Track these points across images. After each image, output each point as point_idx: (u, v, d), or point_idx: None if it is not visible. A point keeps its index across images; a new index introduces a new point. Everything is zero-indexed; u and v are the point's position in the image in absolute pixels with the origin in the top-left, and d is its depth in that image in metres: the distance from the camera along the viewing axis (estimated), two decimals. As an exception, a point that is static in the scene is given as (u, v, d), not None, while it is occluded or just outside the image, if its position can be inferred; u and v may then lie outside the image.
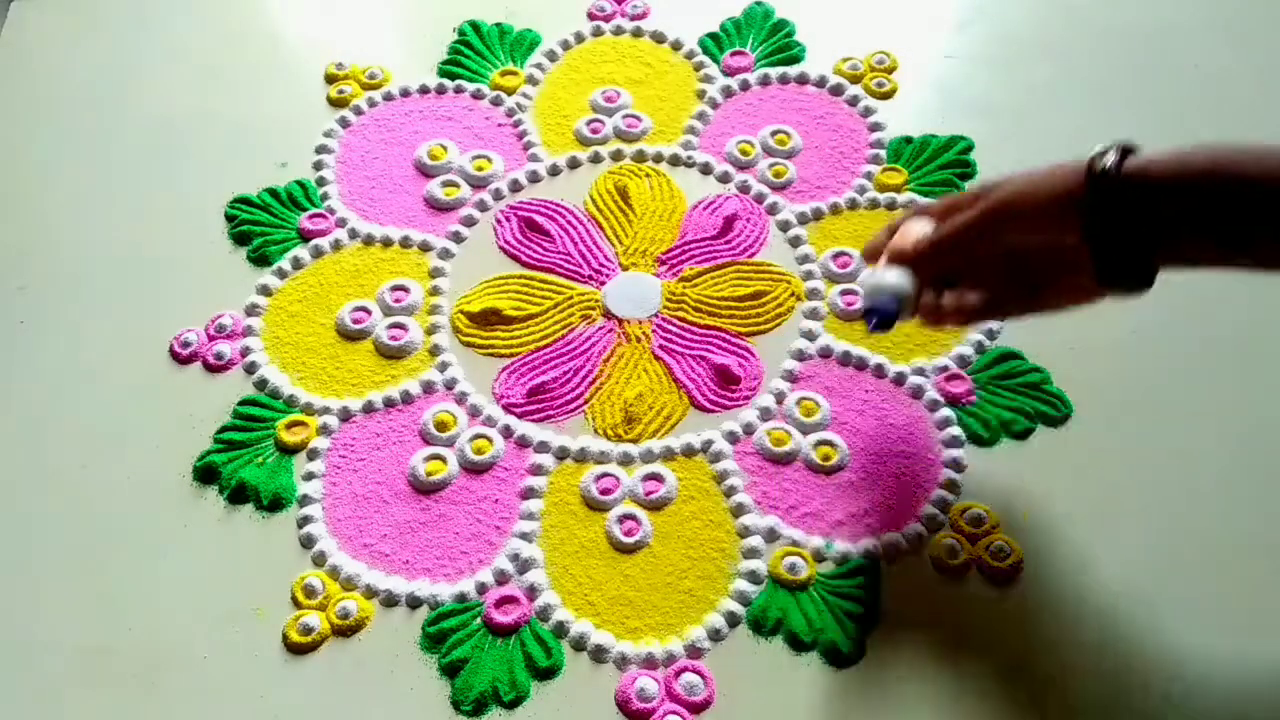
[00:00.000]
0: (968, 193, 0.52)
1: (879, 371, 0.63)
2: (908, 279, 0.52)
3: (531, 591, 0.56)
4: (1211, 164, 0.45)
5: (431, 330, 0.66)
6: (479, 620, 0.55)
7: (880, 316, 0.52)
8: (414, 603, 0.56)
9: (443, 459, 0.61)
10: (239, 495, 0.60)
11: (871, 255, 0.56)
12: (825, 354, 0.64)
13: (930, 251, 0.52)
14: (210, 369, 0.65)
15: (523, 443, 0.61)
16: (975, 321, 0.55)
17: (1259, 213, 0.44)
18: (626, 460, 0.60)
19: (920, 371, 0.63)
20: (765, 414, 0.62)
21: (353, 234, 0.71)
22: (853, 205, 0.71)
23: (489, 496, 0.60)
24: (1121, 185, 0.46)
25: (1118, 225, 0.47)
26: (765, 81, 0.78)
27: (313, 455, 0.61)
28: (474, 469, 0.61)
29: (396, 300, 0.67)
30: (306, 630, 0.55)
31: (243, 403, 0.63)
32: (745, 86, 0.78)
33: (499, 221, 0.71)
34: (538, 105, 0.77)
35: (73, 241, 0.71)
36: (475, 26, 0.82)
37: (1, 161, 0.76)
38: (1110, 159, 0.47)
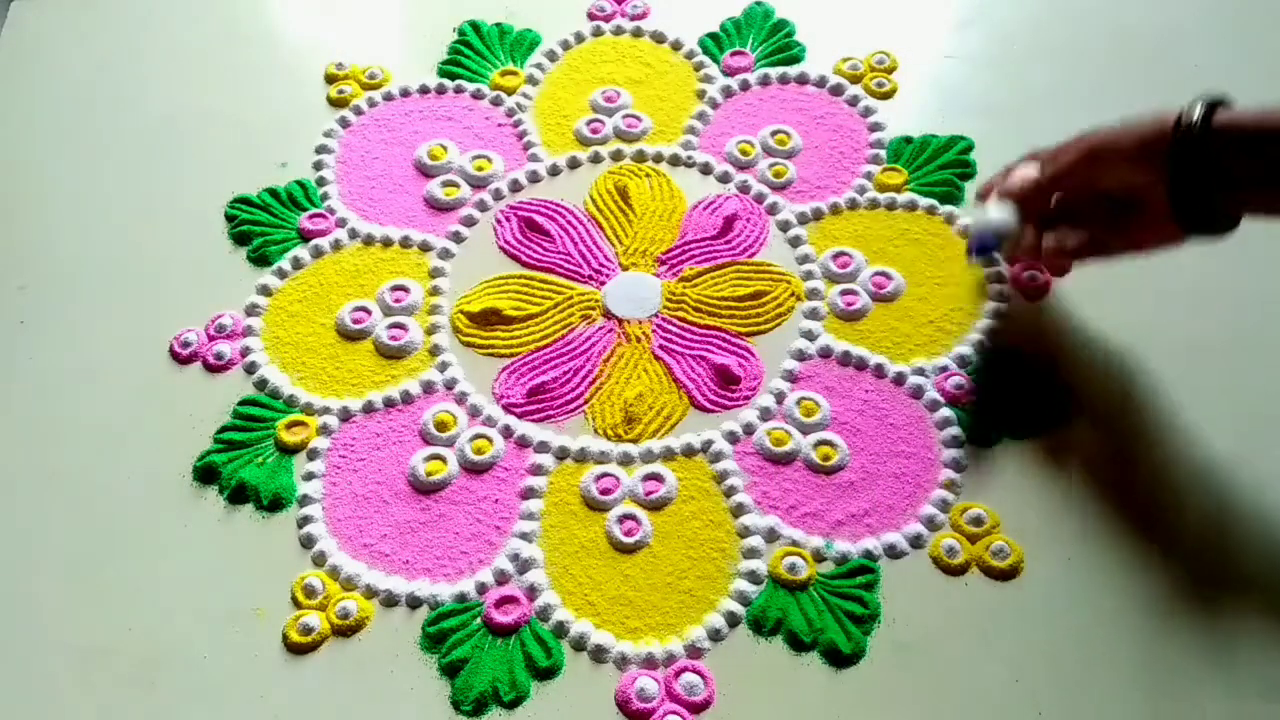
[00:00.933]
0: (1074, 138, 0.57)
1: (879, 371, 0.63)
2: (1011, 214, 0.59)
3: (531, 591, 0.56)
4: None
5: (431, 330, 0.66)
6: (479, 620, 0.55)
7: (981, 245, 0.60)
8: (414, 603, 0.56)
9: (443, 459, 0.61)
10: (239, 495, 0.60)
11: (984, 194, 0.62)
12: (825, 354, 0.64)
13: (1033, 189, 0.59)
14: (210, 369, 0.65)
15: (523, 443, 0.61)
16: (1072, 260, 0.60)
17: None
18: (626, 460, 0.60)
19: (920, 371, 0.63)
20: (765, 414, 0.62)
21: (353, 234, 0.71)
22: (853, 205, 0.71)
23: (489, 496, 0.60)
24: (1202, 137, 0.51)
25: (1196, 176, 0.52)
26: (765, 81, 0.78)
27: (313, 455, 0.61)
28: (474, 469, 0.61)
29: (396, 300, 0.67)
30: (306, 630, 0.55)
31: (243, 403, 0.63)
32: (745, 86, 0.78)
33: (499, 221, 0.71)
34: (538, 105, 0.77)
35: (73, 241, 0.71)
36: (475, 26, 0.82)
37: (1, 161, 0.76)
38: (1197, 112, 0.52)
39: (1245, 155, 0.51)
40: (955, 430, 0.60)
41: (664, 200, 0.72)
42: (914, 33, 0.80)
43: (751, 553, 0.57)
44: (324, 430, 0.62)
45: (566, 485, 0.60)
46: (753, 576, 0.56)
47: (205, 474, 0.60)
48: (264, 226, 0.71)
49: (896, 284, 0.67)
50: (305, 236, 0.71)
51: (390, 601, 0.56)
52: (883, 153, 0.73)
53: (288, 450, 0.61)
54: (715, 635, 0.54)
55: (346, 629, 0.55)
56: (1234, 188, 0.52)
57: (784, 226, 0.70)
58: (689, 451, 0.61)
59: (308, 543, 0.58)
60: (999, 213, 0.59)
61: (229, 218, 0.72)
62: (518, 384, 0.64)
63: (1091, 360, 0.63)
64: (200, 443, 0.62)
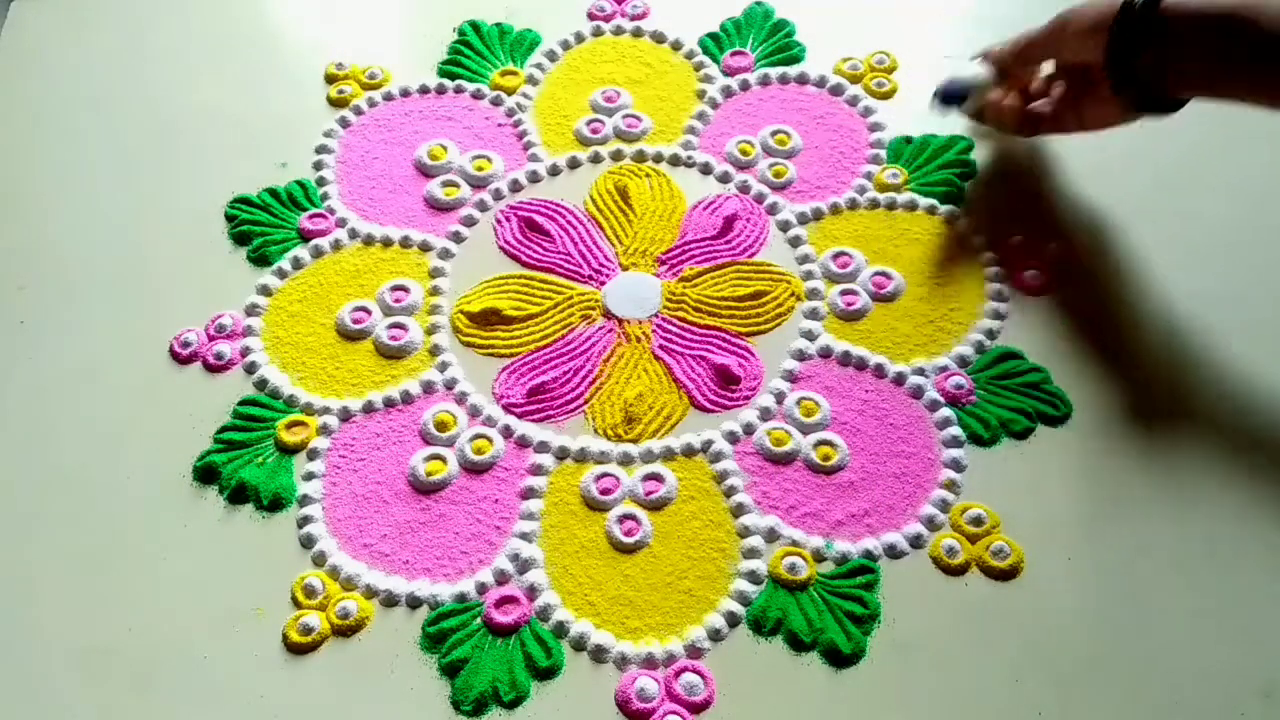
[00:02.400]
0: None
1: (879, 371, 0.63)
2: (984, 72, 0.67)
3: (531, 591, 0.56)
4: (1232, 9, 0.54)
5: (431, 330, 0.66)
6: (479, 620, 0.55)
7: (947, 93, 0.68)
8: (414, 603, 0.56)
9: (443, 459, 0.61)
10: (239, 495, 0.60)
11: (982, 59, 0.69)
12: (825, 354, 0.64)
13: (1007, 52, 0.66)
14: (210, 369, 0.65)
15: (523, 443, 0.61)
16: (1027, 125, 0.68)
17: (1262, 54, 0.53)
18: (626, 460, 0.60)
19: (920, 371, 0.63)
20: (765, 414, 0.62)
21: (353, 234, 0.71)
22: (853, 205, 0.71)
23: (489, 496, 0.60)
24: (1144, 16, 0.56)
25: (1131, 51, 0.58)
26: (765, 81, 0.78)
27: (313, 455, 0.61)
28: (474, 469, 0.61)
29: (396, 300, 0.67)
30: (306, 630, 0.55)
31: (243, 403, 0.63)
32: (745, 86, 0.78)
33: (499, 221, 0.71)
34: (538, 105, 0.77)
35: (73, 241, 0.71)
36: (475, 26, 0.82)
37: (1, 161, 0.76)
38: None
39: (1187, 38, 0.56)
40: (955, 430, 0.60)
41: (664, 200, 0.72)
42: (914, 33, 0.80)
43: (751, 553, 0.57)
44: (324, 430, 0.62)
45: (566, 485, 0.60)
46: (753, 576, 0.56)
47: (205, 474, 0.60)
48: (264, 226, 0.71)
49: (896, 284, 0.67)
50: (305, 236, 0.71)
51: (390, 601, 0.56)
52: (883, 153, 0.73)
53: (288, 450, 0.61)
54: (715, 635, 0.54)
55: (346, 629, 0.55)
56: (1176, 66, 0.57)
57: (784, 226, 0.70)
58: (689, 451, 0.61)
59: (308, 543, 0.58)
60: (972, 70, 0.68)
61: (229, 218, 0.72)
62: (518, 384, 0.64)
63: (1091, 359, 0.63)
64: (200, 443, 0.62)
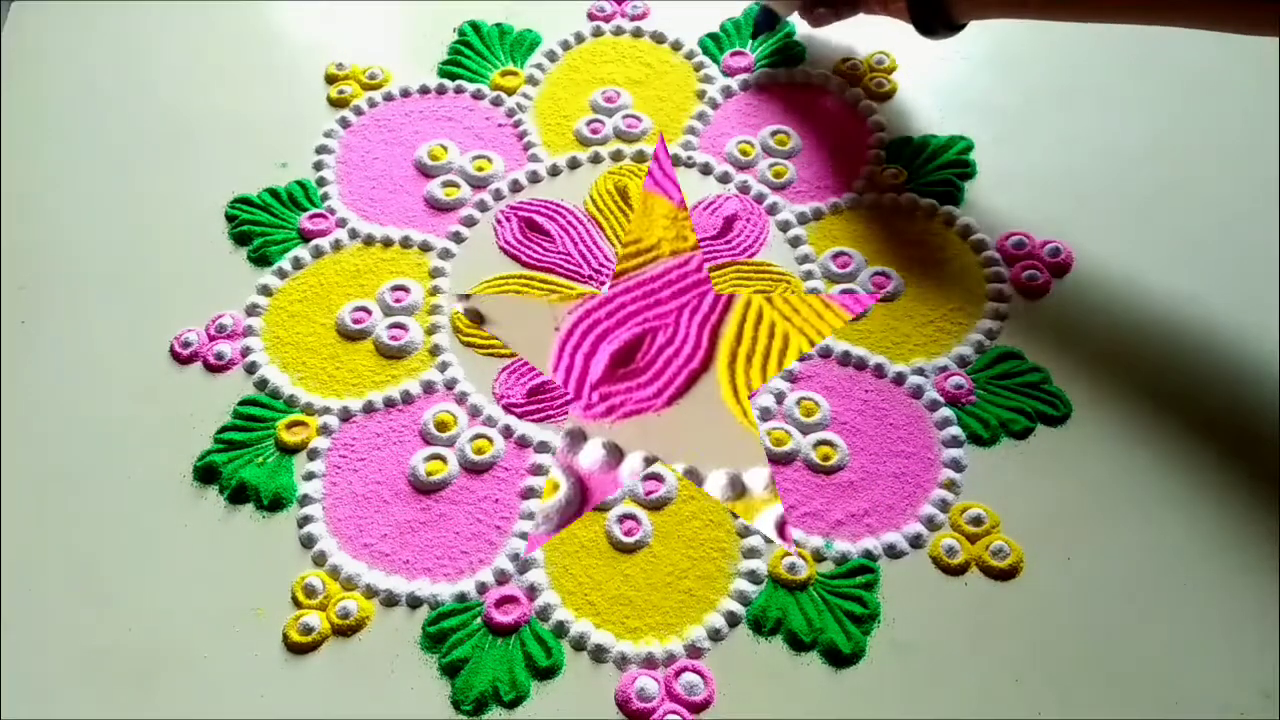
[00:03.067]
0: None
1: (879, 371, 0.63)
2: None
3: (531, 591, 0.56)
4: None
5: (432, 330, 0.66)
6: (479, 620, 0.55)
7: (760, 23, 0.78)
8: (414, 602, 0.56)
9: (443, 459, 0.61)
10: (239, 495, 0.60)
11: None
12: (825, 354, 0.64)
13: None
14: (210, 369, 0.65)
15: (523, 443, 0.61)
16: (825, 20, 0.76)
17: None
18: (626, 460, 0.60)
19: (920, 371, 0.63)
20: (765, 414, 0.62)
21: (353, 234, 0.71)
22: (853, 205, 0.71)
23: (489, 496, 0.60)
24: None
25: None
26: (765, 81, 0.78)
27: (313, 455, 0.61)
28: (474, 469, 0.61)
29: (397, 300, 0.67)
30: (306, 630, 0.55)
31: (243, 403, 0.63)
32: (745, 86, 0.78)
33: (499, 222, 0.71)
34: (538, 105, 0.77)
35: (73, 241, 0.71)
36: (475, 27, 0.82)
37: (1, 161, 0.76)
38: None
39: None
40: (955, 430, 0.61)
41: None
42: (914, 33, 0.80)
43: (751, 552, 0.57)
44: (324, 430, 0.62)
45: (566, 485, 0.60)
46: (753, 576, 0.56)
47: (205, 474, 0.60)
48: (264, 226, 0.71)
49: (896, 284, 0.67)
50: (305, 236, 0.71)
51: (390, 601, 0.56)
52: (883, 153, 0.73)
53: (288, 450, 0.61)
54: (715, 635, 0.54)
55: (346, 629, 0.55)
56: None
57: (784, 226, 0.70)
58: (689, 451, 0.61)
59: (308, 542, 0.58)
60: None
61: (229, 218, 0.72)
62: (518, 384, 0.64)
63: (1091, 359, 0.63)
64: (200, 443, 0.62)
